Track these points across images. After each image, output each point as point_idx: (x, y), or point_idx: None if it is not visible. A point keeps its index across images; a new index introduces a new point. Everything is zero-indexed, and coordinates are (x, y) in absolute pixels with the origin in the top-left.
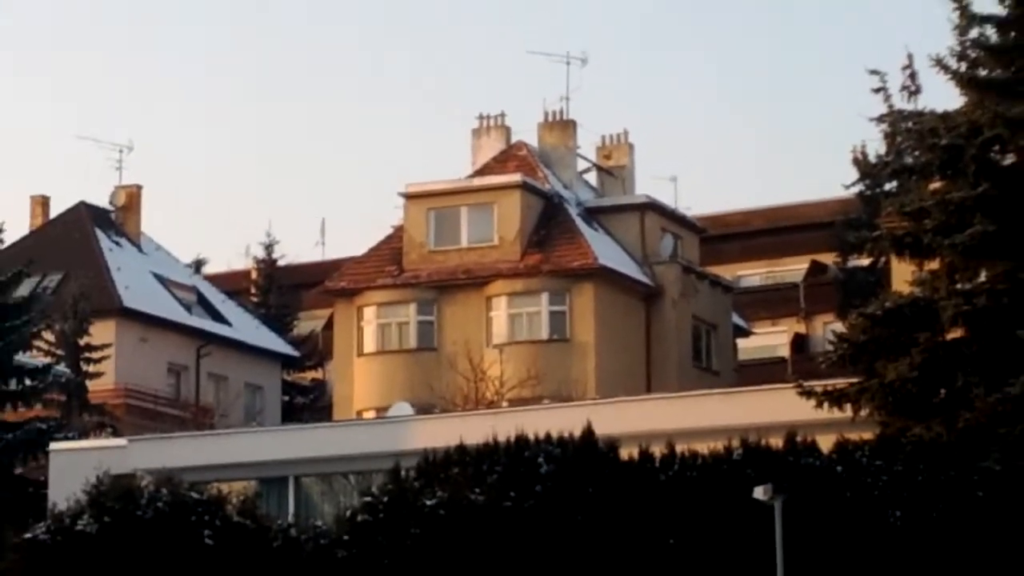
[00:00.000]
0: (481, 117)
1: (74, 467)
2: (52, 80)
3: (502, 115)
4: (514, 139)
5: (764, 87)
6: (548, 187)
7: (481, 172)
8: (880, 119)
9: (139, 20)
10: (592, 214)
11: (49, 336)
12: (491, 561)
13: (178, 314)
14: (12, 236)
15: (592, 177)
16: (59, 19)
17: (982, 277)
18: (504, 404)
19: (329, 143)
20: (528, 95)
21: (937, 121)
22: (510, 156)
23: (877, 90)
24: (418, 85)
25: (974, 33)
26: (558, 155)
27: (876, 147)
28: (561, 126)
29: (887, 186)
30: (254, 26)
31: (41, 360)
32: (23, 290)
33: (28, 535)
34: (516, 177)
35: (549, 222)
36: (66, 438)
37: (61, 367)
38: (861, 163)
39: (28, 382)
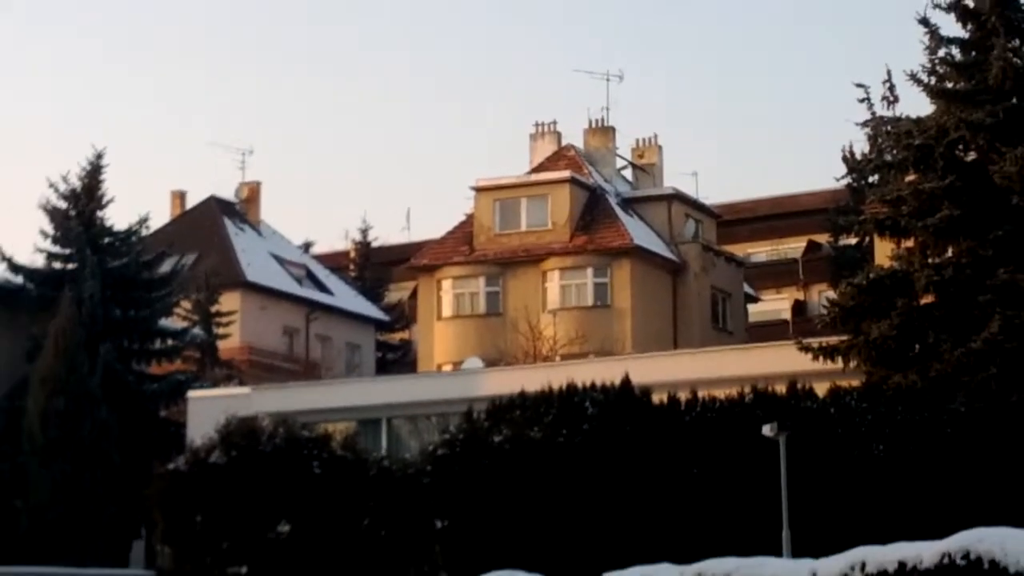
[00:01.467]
0: (537, 124)
1: (207, 411)
2: (186, 89)
3: (554, 123)
4: (564, 142)
5: (769, 98)
6: (592, 181)
7: (537, 169)
8: (864, 123)
9: (250, 36)
10: (628, 203)
11: (186, 305)
12: (546, 487)
13: (291, 286)
14: (156, 224)
15: (628, 173)
16: (191, 39)
17: (949, 253)
18: (557, 359)
19: (414, 146)
20: (575, 106)
21: (911, 125)
22: (561, 156)
23: (862, 100)
24: (487, 98)
25: (942, 52)
26: (600, 155)
27: (861, 147)
28: (602, 131)
29: (871, 179)
30: (353, 38)
31: (180, 324)
32: (165, 268)
33: (171, 466)
34: (566, 174)
35: (593, 210)
36: (201, 387)
37: (196, 330)
38: (849, 160)
39: (170, 342)
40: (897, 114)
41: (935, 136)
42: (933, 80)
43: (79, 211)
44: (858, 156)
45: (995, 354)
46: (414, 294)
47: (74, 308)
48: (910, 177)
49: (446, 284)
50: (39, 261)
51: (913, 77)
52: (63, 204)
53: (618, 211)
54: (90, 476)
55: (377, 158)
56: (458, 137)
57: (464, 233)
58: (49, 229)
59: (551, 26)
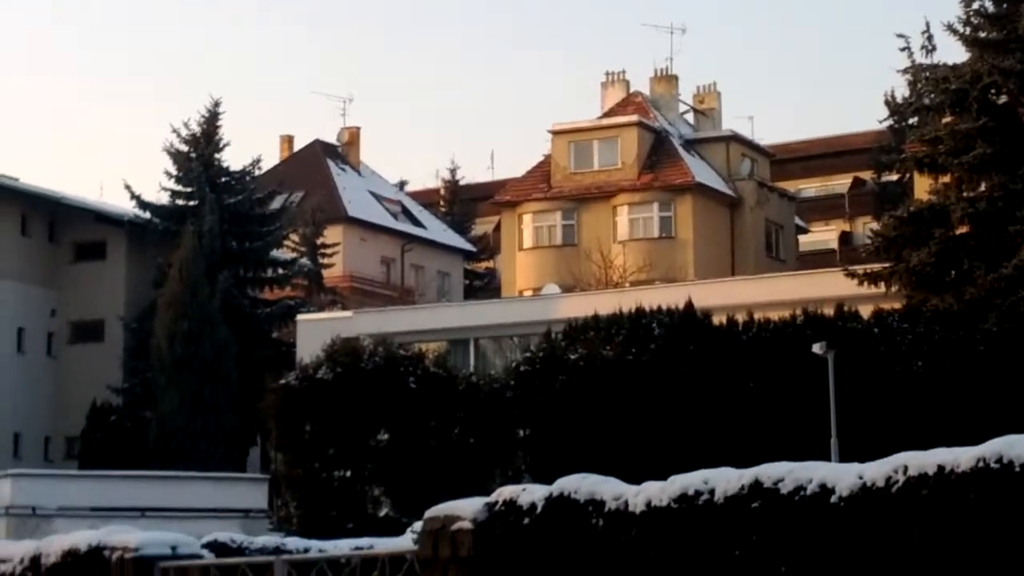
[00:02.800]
0: (608, 73)
1: (314, 332)
2: (292, 41)
3: (623, 72)
4: (632, 90)
5: (819, 47)
6: (657, 125)
7: (607, 114)
8: (905, 70)
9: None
10: (690, 144)
11: (294, 238)
12: (617, 400)
13: (388, 220)
14: (267, 165)
15: (690, 117)
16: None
17: (982, 187)
18: (626, 285)
19: (496, 94)
20: (642, 56)
21: (948, 71)
22: (629, 102)
23: (903, 49)
24: (561, 49)
25: (976, 5)
26: (664, 101)
27: (902, 91)
28: (667, 79)
29: (911, 121)
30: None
31: (289, 255)
32: (275, 204)
33: (282, 382)
34: (634, 118)
35: (658, 151)
36: (308, 311)
37: (304, 260)
38: (891, 103)
39: (280, 271)
40: (935, 61)
41: (969, 81)
42: (968, 30)
43: (199, 154)
44: (899, 100)
45: None
46: (498, 227)
47: (195, 240)
48: (947, 119)
49: (526, 218)
50: (164, 199)
51: (950, 28)
52: (185, 147)
53: (681, 152)
54: (211, 390)
55: (464, 105)
56: (536, 85)
57: (542, 172)
58: (172, 170)
59: None
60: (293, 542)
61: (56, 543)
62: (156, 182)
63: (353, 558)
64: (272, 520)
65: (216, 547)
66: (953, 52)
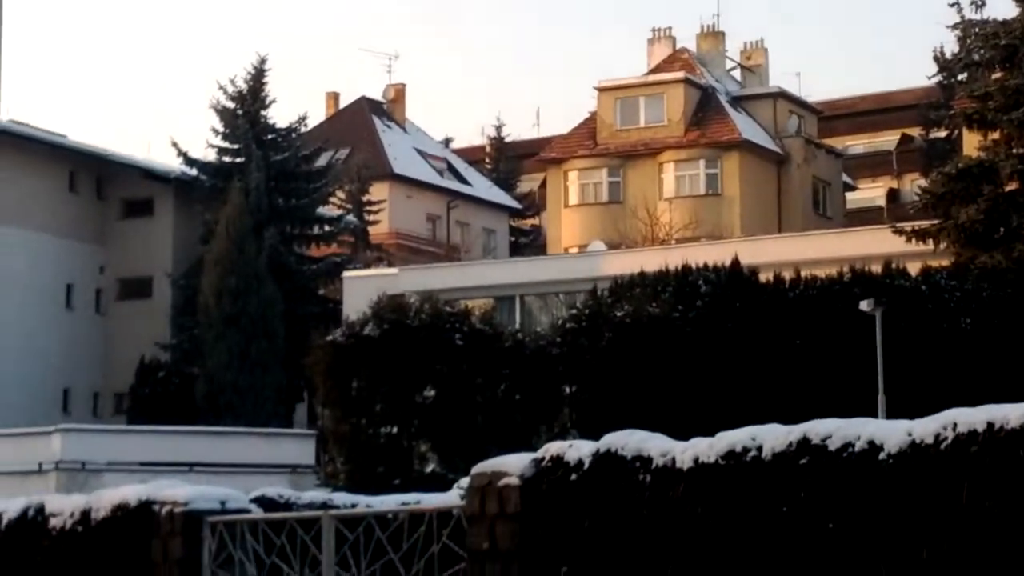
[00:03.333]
0: (654, 30)
1: (361, 289)
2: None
3: (670, 28)
4: (678, 46)
5: (868, 2)
6: (704, 81)
7: (654, 71)
8: (954, 26)
9: None
10: (737, 101)
11: (340, 195)
12: (664, 357)
13: (433, 177)
14: (312, 122)
15: (737, 73)
16: None
17: None
18: (672, 242)
19: (542, 51)
20: (688, 13)
21: (998, 27)
22: (675, 59)
23: (952, 4)
24: (607, 6)
25: None
26: (711, 57)
27: (951, 47)
28: (713, 36)
29: (960, 76)
30: None
31: (335, 212)
32: (321, 161)
33: (329, 338)
34: (680, 74)
35: (705, 107)
36: (354, 268)
37: (349, 217)
38: (940, 59)
39: (327, 228)
40: (985, 17)
41: (1020, 37)
42: None
43: (245, 110)
44: (948, 56)
45: None
46: (543, 184)
47: (242, 197)
48: (996, 75)
49: (572, 175)
50: (211, 155)
51: None
52: (231, 104)
53: (727, 108)
54: (258, 346)
55: (509, 61)
56: (582, 42)
57: (588, 129)
58: (219, 127)
59: None
60: (340, 497)
61: (106, 497)
62: (203, 139)
63: (400, 513)
64: (319, 476)
65: (264, 502)
66: (1003, 7)
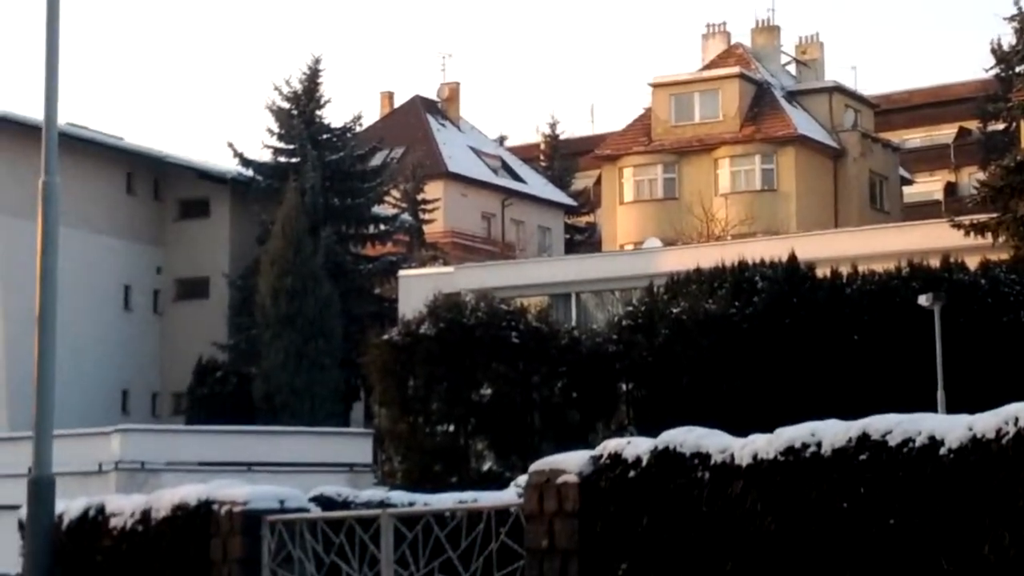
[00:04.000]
0: (708, 25)
1: (416, 288)
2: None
3: (723, 23)
4: (733, 41)
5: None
6: (759, 76)
7: (708, 67)
8: (1012, 17)
9: None
10: (792, 96)
11: (395, 194)
12: (721, 353)
13: (488, 176)
14: (367, 122)
15: (792, 68)
16: None
17: None
18: (728, 238)
19: (595, 48)
20: (743, 7)
21: None
22: (730, 54)
23: None
24: (663, 1)
25: None
26: (766, 52)
27: (1009, 39)
28: (768, 30)
29: (1018, 68)
30: None
31: (391, 211)
32: (376, 161)
33: (385, 337)
34: (735, 69)
35: (760, 102)
36: (410, 267)
37: (405, 216)
38: (997, 52)
39: (382, 227)
40: None
41: None
42: None
43: (300, 111)
44: (1006, 48)
45: None
46: (598, 181)
47: (298, 197)
48: None
49: (627, 172)
50: (266, 156)
51: None
52: (286, 105)
53: (783, 103)
54: (315, 346)
55: (563, 59)
56: (636, 38)
57: (643, 125)
58: (274, 127)
59: None
60: (398, 496)
61: (165, 497)
62: (259, 140)
63: (458, 511)
64: (376, 474)
65: (322, 501)
66: None
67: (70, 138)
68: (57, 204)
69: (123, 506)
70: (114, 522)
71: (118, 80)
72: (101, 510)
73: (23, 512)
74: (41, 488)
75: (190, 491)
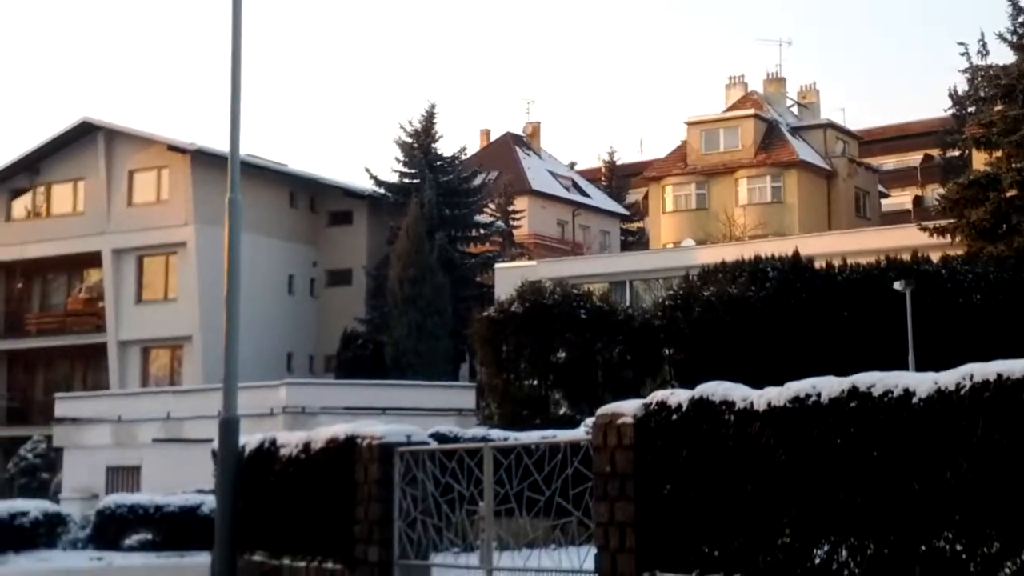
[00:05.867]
0: (730, 77)
1: (508, 277)
2: (490, 54)
3: (743, 75)
4: (749, 89)
5: (898, 53)
6: (769, 116)
7: (730, 109)
8: (965, 70)
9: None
10: (795, 131)
11: (492, 206)
12: (741, 326)
13: (561, 192)
14: (470, 152)
15: (795, 109)
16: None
17: None
18: (746, 239)
19: (645, 93)
20: (758, 63)
21: (999, 70)
22: (747, 99)
23: (962, 53)
24: (697, 59)
25: (1021, 19)
26: (775, 98)
27: (962, 86)
28: (777, 81)
29: (969, 109)
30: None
31: (488, 219)
32: (477, 181)
33: (485, 314)
34: (751, 111)
35: (770, 136)
36: (503, 261)
37: (499, 223)
38: (953, 96)
39: (481, 231)
40: (989, 63)
41: (1016, 77)
42: (1015, 37)
43: (419, 144)
44: (960, 93)
45: None
46: (646, 196)
47: (418, 209)
48: (998, 107)
49: (668, 189)
50: (394, 178)
51: (1000, 36)
52: (409, 139)
53: (788, 136)
54: (431, 321)
55: (618, 103)
56: (675, 87)
57: (680, 153)
58: (400, 156)
59: (741, 4)
60: (495, 433)
61: (321, 433)
62: (388, 166)
63: (541, 445)
64: (478, 417)
65: (438, 437)
66: (1003, 55)
67: (249, 166)
68: (239, 215)
69: (289, 440)
70: (283, 451)
71: (282, 119)
72: (273, 443)
73: (215, 444)
74: (229, 426)
75: (340, 429)
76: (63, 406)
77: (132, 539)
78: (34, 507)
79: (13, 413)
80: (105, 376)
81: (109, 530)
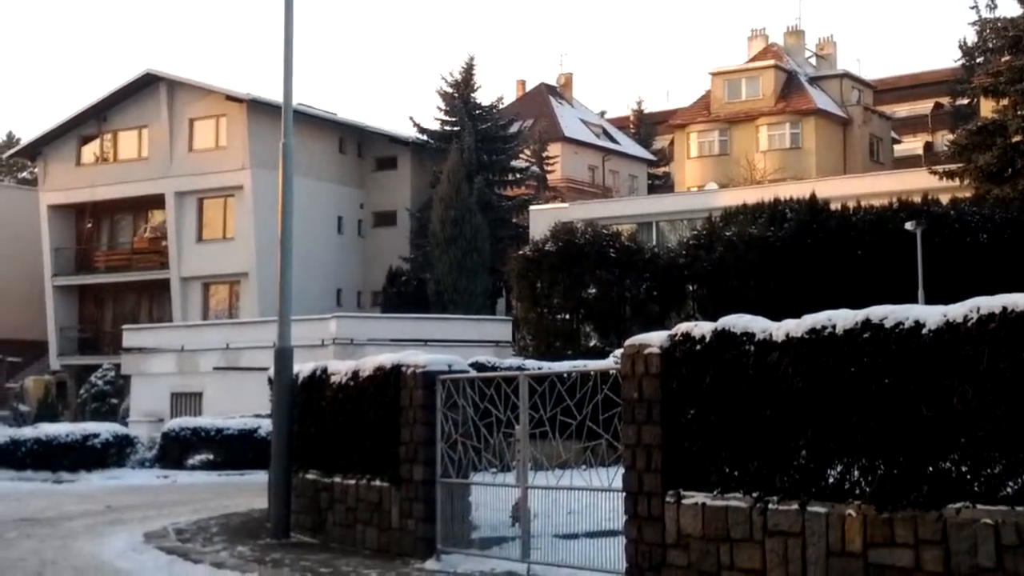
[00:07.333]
0: (752, 30)
1: (542, 218)
2: (528, 9)
3: (764, 28)
4: (770, 41)
5: (912, 6)
6: (789, 67)
7: (752, 60)
8: (974, 23)
9: None
10: (813, 81)
11: (527, 152)
12: (760, 264)
13: (592, 139)
14: (507, 101)
15: (813, 60)
16: None
17: None
18: (766, 182)
19: (673, 44)
20: (779, 16)
21: (1007, 23)
22: (768, 51)
23: (972, 7)
24: (722, 11)
25: None
26: (794, 49)
27: (971, 38)
28: (796, 33)
29: (978, 59)
30: None
31: (523, 164)
32: (513, 129)
33: (520, 252)
34: (771, 62)
35: (790, 86)
36: (537, 203)
37: (534, 168)
38: (963, 47)
39: (517, 175)
40: (996, 16)
41: (1023, 29)
42: None
43: (459, 94)
44: (970, 44)
45: None
46: (672, 143)
47: (459, 155)
48: (1005, 57)
49: (693, 136)
50: (436, 126)
51: None
52: (449, 90)
53: (806, 86)
54: (470, 259)
55: (647, 54)
56: (702, 39)
57: (704, 102)
58: (442, 105)
59: None
60: (530, 363)
61: (369, 361)
62: (430, 115)
63: (573, 373)
64: (514, 348)
65: (477, 366)
66: (1011, 8)
67: (300, 114)
68: (292, 160)
69: (339, 368)
70: (333, 379)
71: (332, 71)
72: (324, 370)
73: (271, 372)
74: (284, 355)
75: (386, 358)
76: (130, 337)
77: (195, 459)
78: (105, 430)
79: (84, 343)
80: (168, 309)
81: (173, 451)
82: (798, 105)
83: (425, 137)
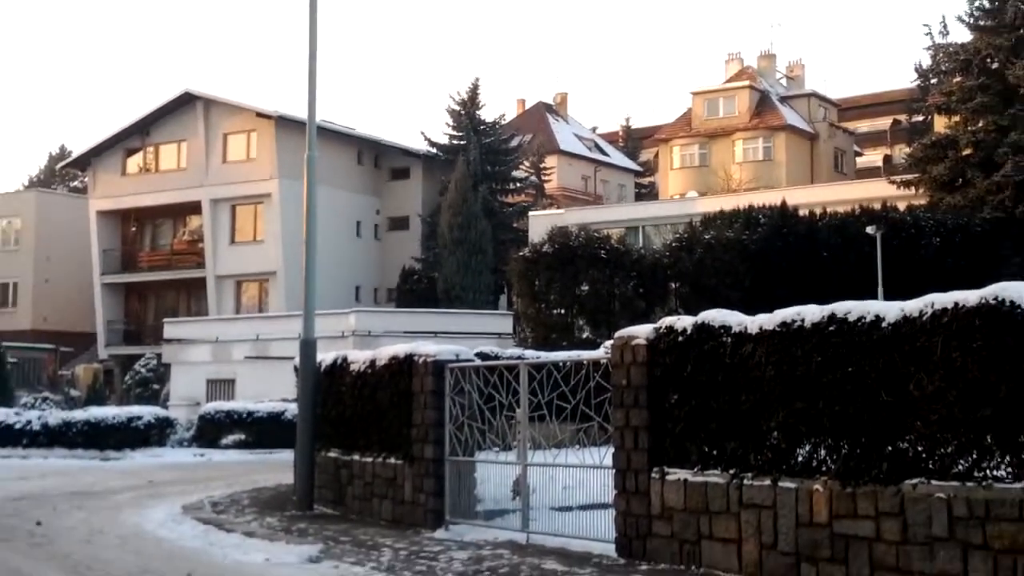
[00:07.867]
0: (729, 54)
1: (540, 223)
2: (529, 37)
3: (739, 52)
4: (745, 64)
5: (872, 33)
6: (762, 87)
7: (729, 81)
8: (928, 47)
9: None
10: (784, 99)
11: (526, 163)
12: (736, 264)
13: (585, 152)
14: (508, 118)
15: (784, 81)
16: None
17: (980, 124)
18: (741, 191)
19: (656, 68)
20: (752, 41)
21: (958, 47)
22: (743, 73)
23: (926, 33)
24: (700, 37)
25: (977, 2)
26: (767, 71)
27: (926, 61)
28: (768, 57)
29: (932, 80)
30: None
31: (523, 174)
32: (514, 143)
33: (521, 254)
34: (746, 83)
35: (763, 104)
36: (536, 210)
37: (532, 178)
38: (919, 69)
39: (518, 185)
40: (949, 41)
41: (972, 53)
42: (971, 20)
43: (466, 111)
44: (924, 67)
45: (1007, 184)
46: (657, 155)
47: (465, 166)
48: (956, 79)
49: (675, 149)
50: (444, 139)
51: (959, 19)
52: (457, 107)
53: (778, 104)
54: (476, 260)
55: (635, 75)
56: (683, 62)
57: (685, 119)
58: (450, 121)
59: None
60: (529, 353)
61: (384, 351)
62: (440, 129)
63: (568, 362)
64: (515, 339)
65: (482, 355)
66: (961, 34)
67: (323, 129)
68: (315, 171)
69: (358, 357)
70: (353, 367)
71: (351, 90)
72: (344, 359)
73: (297, 361)
74: (308, 346)
75: (400, 348)
76: (170, 329)
77: (228, 439)
78: (147, 412)
79: (129, 335)
80: (204, 304)
81: (209, 431)
82: (770, 122)
83: (435, 150)
